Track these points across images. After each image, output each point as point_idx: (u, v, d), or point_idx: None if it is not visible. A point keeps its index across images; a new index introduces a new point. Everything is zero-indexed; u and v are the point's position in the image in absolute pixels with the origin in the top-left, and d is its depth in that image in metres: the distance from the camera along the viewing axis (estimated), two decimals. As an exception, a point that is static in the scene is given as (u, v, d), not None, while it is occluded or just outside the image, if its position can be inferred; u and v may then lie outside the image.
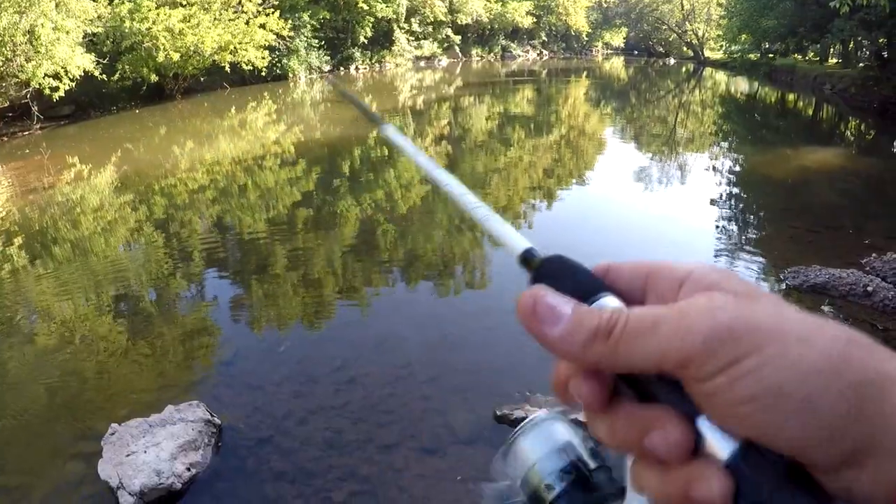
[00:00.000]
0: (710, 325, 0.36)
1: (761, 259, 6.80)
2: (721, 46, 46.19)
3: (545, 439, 0.76)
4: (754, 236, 7.94)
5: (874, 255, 6.21)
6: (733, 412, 0.35)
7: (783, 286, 5.79)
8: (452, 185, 0.61)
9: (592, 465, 0.73)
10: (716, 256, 6.86)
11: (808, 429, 0.34)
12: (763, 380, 0.34)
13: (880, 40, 21.05)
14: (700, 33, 55.45)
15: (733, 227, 8.28)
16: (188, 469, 3.34)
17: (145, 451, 3.35)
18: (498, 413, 3.83)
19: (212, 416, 3.72)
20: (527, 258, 0.49)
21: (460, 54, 52.07)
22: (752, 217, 8.94)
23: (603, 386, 0.41)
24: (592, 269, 0.47)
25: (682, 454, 0.37)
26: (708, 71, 44.22)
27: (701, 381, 0.36)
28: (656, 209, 9.13)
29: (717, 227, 8.06)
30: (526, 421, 0.78)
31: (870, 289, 5.40)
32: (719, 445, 0.36)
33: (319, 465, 3.50)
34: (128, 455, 3.34)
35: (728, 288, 0.40)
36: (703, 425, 0.37)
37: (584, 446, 0.75)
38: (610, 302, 0.42)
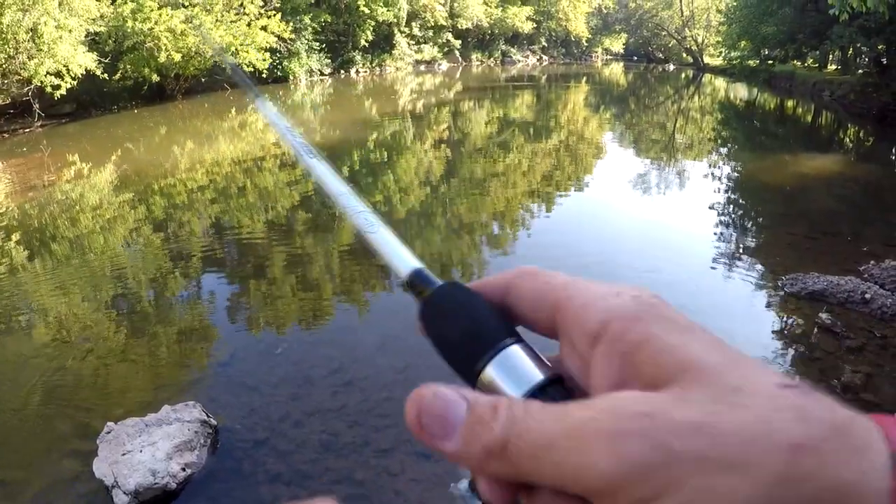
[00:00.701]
0: (615, 460, 0.30)
1: (759, 265, 6.80)
2: (720, 53, 46.34)
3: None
4: (752, 243, 7.94)
5: (872, 262, 6.22)
6: None
7: (781, 293, 5.79)
8: (330, 179, 0.53)
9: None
10: (714, 262, 6.86)
11: None
12: None
13: (879, 47, 21.08)
14: (699, 39, 55.56)
15: (731, 233, 8.28)
16: (183, 469, 3.33)
17: (141, 451, 3.34)
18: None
19: (208, 416, 3.71)
20: (415, 283, 0.43)
21: (460, 59, 52.14)
22: (750, 223, 8.95)
23: (503, 490, 0.35)
24: (489, 284, 0.42)
25: None
26: (707, 77, 44.30)
27: None
28: (654, 215, 9.13)
29: (716, 233, 8.06)
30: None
31: (868, 296, 5.41)
32: None
33: (315, 468, 3.50)
34: (123, 454, 3.33)
35: (652, 354, 0.34)
36: None
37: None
38: (516, 358, 0.37)
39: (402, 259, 0.44)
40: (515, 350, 0.38)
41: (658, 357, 0.33)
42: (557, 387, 0.37)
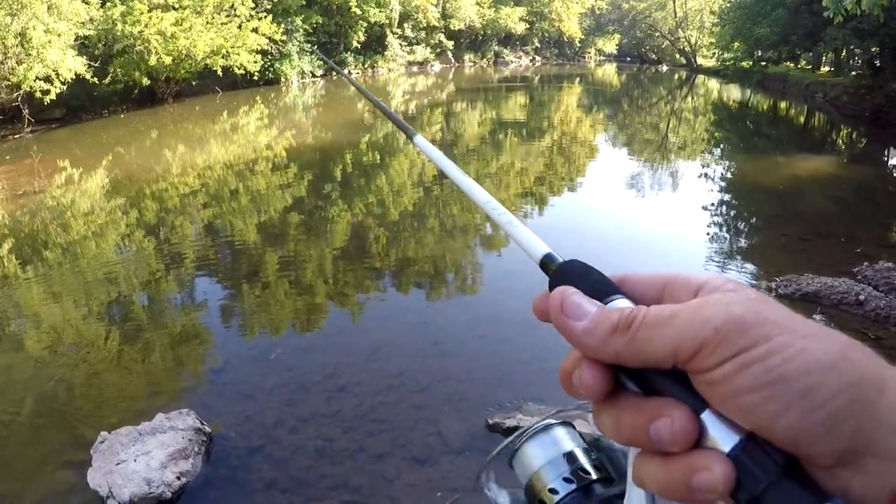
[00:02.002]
0: (724, 315, 0.38)
1: (753, 267, 6.81)
2: (714, 54, 46.42)
3: (550, 445, 0.78)
4: (746, 244, 7.95)
5: (866, 263, 6.23)
6: (737, 401, 0.37)
7: (775, 295, 5.79)
8: (478, 191, 0.66)
9: (594, 475, 0.74)
10: (707, 264, 6.87)
11: (807, 421, 0.35)
12: (768, 368, 0.36)
13: (873, 49, 21.12)
14: (693, 41, 55.66)
15: (725, 234, 8.30)
16: (178, 478, 3.31)
17: (135, 460, 3.32)
18: (490, 422, 3.82)
19: (202, 424, 3.69)
20: (546, 262, 0.52)
21: (453, 60, 52.13)
22: (743, 225, 8.96)
23: (606, 374, 0.43)
24: (614, 275, 0.49)
25: (687, 442, 0.39)
26: (700, 78, 44.42)
27: (709, 370, 0.38)
28: (647, 216, 9.14)
29: (709, 234, 8.07)
30: (531, 425, 0.80)
31: (861, 297, 5.41)
32: (722, 438, 0.38)
33: (310, 475, 3.48)
34: (118, 463, 3.31)
35: (743, 293, 0.42)
36: (708, 419, 0.39)
37: (587, 456, 0.77)
38: (625, 303, 0.44)
39: (536, 244, 0.53)
40: (625, 302, 0.45)
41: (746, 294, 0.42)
42: None
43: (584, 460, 0.76)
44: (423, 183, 11.05)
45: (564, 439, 0.79)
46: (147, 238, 7.98)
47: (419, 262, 7.12)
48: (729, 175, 12.65)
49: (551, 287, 0.49)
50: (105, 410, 4.16)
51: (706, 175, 12.44)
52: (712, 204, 9.79)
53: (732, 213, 9.61)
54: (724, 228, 8.61)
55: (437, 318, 5.73)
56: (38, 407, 4.24)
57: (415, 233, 8.17)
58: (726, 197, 10.67)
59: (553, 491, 0.73)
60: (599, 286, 0.46)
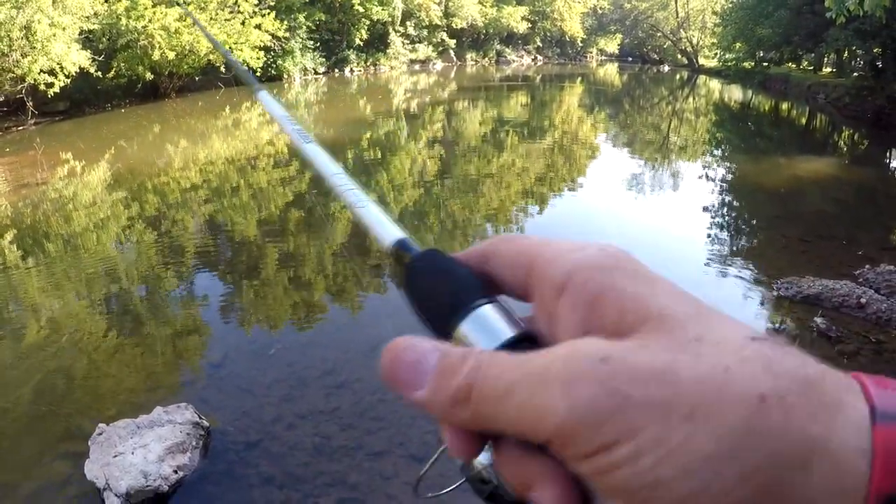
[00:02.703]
0: (568, 404, 0.30)
1: (753, 268, 6.80)
2: (715, 54, 46.33)
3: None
4: (746, 245, 7.95)
5: (867, 266, 6.23)
6: (610, 496, 0.30)
7: (776, 297, 5.79)
8: (324, 161, 0.58)
9: None
10: (707, 265, 6.86)
11: None
12: (637, 474, 0.28)
13: (875, 50, 21.12)
14: (694, 41, 55.64)
15: (725, 235, 8.29)
16: (175, 471, 3.31)
17: (133, 453, 3.32)
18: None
19: (200, 418, 3.69)
20: (399, 252, 0.45)
21: (455, 58, 52.14)
22: (744, 226, 8.95)
23: (467, 440, 0.36)
24: (471, 254, 0.43)
25: None
26: (702, 79, 44.39)
27: (568, 461, 0.31)
28: (648, 217, 9.14)
29: (709, 235, 8.07)
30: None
31: (863, 300, 5.41)
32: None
33: (307, 471, 3.48)
34: (115, 456, 3.31)
35: (615, 302, 0.33)
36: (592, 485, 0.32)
37: None
38: (488, 316, 0.38)
39: (388, 230, 0.47)
40: (488, 309, 0.39)
41: (621, 305, 0.33)
42: (528, 343, 0.37)
43: None
44: (424, 180, 11.05)
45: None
46: (148, 231, 7.98)
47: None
48: (730, 176, 12.65)
49: (404, 283, 0.44)
50: (103, 402, 4.16)
51: (707, 176, 12.44)
52: (713, 205, 9.78)
53: (733, 214, 9.61)
54: (725, 229, 8.61)
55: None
56: (37, 398, 4.24)
57: (415, 230, 8.16)
58: (727, 198, 10.66)
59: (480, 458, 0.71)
60: (460, 288, 0.40)
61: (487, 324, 0.38)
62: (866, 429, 0.27)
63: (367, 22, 38.05)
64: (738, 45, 35.03)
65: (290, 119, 0.66)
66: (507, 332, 0.37)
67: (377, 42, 41.34)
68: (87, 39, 19.24)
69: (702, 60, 54.35)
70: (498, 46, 59.09)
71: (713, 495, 0.27)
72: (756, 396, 0.28)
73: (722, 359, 0.29)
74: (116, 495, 3.12)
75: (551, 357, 0.32)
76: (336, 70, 37.68)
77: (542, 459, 0.33)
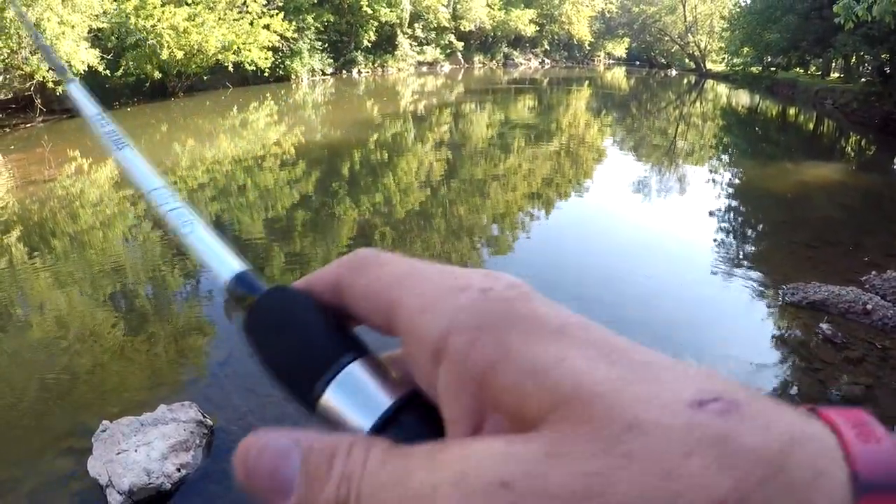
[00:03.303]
0: None
1: (760, 274, 6.78)
2: (723, 59, 46.37)
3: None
4: (752, 250, 7.92)
5: (874, 272, 6.20)
6: None
7: (782, 302, 5.77)
8: (142, 172, 0.45)
9: None
10: (714, 270, 6.84)
11: None
12: None
13: (883, 56, 21.08)
14: (702, 45, 55.59)
15: (731, 240, 8.27)
16: (178, 470, 3.31)
17: (136, 450, 3.32)
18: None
19: (204, 417, 3.69)
20: (236, 290, 0.36)
21: (462, 61, 52.18)
22: (750, 231, 8.93)
23: None
24: (320, 283, 0.35)
25: None
26: (709, 83, 44.32)
27: None
28: (655, 221, 9.12)
29: (716, 240, 8.05)
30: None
31: (869, 307, 5.39)
32: None
33: (311, 470, 3.48)
34: (118, 453, 3.31)
35: (513, 378, 0.25)
36: None
37: None
38: (357, 379, 0.32)
39: (222, 261, 0.37)
40: (356, 368, 0.32)
41: (521, 383, 0.25)
42: (411, 411, 0.31)
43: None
44: (431, 182, 11.05)
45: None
46: (154, 230, 7.99)
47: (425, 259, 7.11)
48: (736, 181, 12.62)
49: (246, 332, 0.36)
50: (107, 399, 4.17)
51: (714, 180, 12.42)
52: (720, 209, 9.76)
53: (740, 219, 9.58)
54: (732, 234, 8.59)
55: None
56: (41, 393, 4.25)
57: (421, 232, 8.16)
58: (734, 203, 10.64)
59: None
60: (314, 341, 0.33)
61: (359, 389, 0.31)
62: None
63: (375, 23, 38.15)
64: (745, 49, 35.05)
65: (103, 118, 0.55)
66: (385, 401, 0.31)
67: (385, 44, 41.41)
68: (96, 38, 19.36)
69: (709, 65, 54.29)
70: (505, 49, 59.14)
71: None
72: None
73: (662, 460, 0.21)
74: (119, 492, 3.12)
75: (437, 477, 0.24)
76: (344, 71, 37.75)
77: None
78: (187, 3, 22.51)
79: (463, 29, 49.56)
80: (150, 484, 3.17)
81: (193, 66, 23.06)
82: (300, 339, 0.33)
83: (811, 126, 22.97)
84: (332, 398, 0.31)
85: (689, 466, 0.21)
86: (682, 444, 0.21)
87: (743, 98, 33.13)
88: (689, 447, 0.21)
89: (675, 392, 0.23)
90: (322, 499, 0.27)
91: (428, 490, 0.24)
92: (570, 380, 0.24)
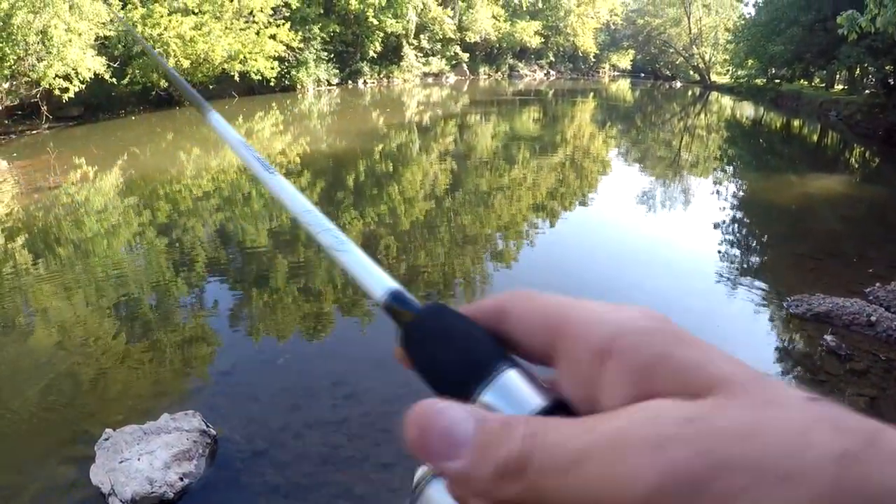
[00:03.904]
0: (659, 469, 0.26)
1: (764, 285, 6.77)
2: (727, 71, 46.38)
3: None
4: (757, 262, 7.92)
5: (878, 284, 6.19)
6: None
7: (786, 314, 5.76)
8: (292, 197, 0.48)
9: None
10: (717, 282, 6.83)
11: None
12: None
13: (887, 67, 21.12)
14: (707, 57, 55.68)
15: (736, 252, 8.26)
16: (181, 479, 3.31)
17: (139, 459, 3.32)
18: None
19: (207, 426, 3.69)
20: (393, 306, 0.40)
21: (468, 72, 52.28)
22: (754, 242, 8.93)
23: None
24: (483, 309, 0.39)
25: None
26: (714, 95, 44.38)
27: None
28: (660, 233, 9.11)
29: (721, 252, 8.04)
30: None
31: (873, 319, 5.38)
32: None
33: (314, 481, 3.47)
34: (121, 461, 3.31)
35: (674, 369, 0.30)
36: None
37: None
38: (513, 383, 0.34)
39: (378, 279, 0.41)
40: (513, 375, 0.34)
41: (681, 372, 0.30)
42: (561, 412, 0.33)
43: None
44: (436, 193, 11.07)
45: None
46: (159, 238, 8.01)
47: (429, 271, 7.12)
48: (741, 193, 12.62)
49: (405, 348, 0.39)
50: (110, 408, 4.17)
51: (718, 192, 12.42)
52: (724, 221, 9.76)
53: (744, 230, 9.58)
54: (736, 246, 8.58)
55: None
56: (44, 401, 4.25)
57: (425, 243, 8.16)
58: (738, 214, 10.63)
59: None
60: (474, 354, 0.36)
61: (514, 392, 0.34)
62: None
63: (381, 34, 38.28)
64: (750, 61, 35.05)
65: (249, 146, 0.56)
66: (538, 401, 0.33)
67: (391, 54, 41.54)
68: (103, 46, 19.44)
69: (714, 77, 54.39)
70: (511, 61, 59.29)
71: None
72: (836, 456, 0.26)
73: (797, 420, 0.27)
74: (121, 501, 3.12)
75: (626, 419, 0.28)
76: (349, 82, 37.87)
77: None
78: (194, 13, 22.62)
79: (468, 40, 49.71)
80: (152, 493, 3.17)
81: (199, 75, 23.15)
82: (459, 349, 0.36)
83: (815, 138, 22.96)
84: (490, 401, 0.34)
85: (816, 427, 0.26)
86: (808, 415, 0.27)
87: (747, 110, 33.16)
88: (814, 417, 0.27)
89: (792, 390, 0.29)
90: (505, 453, 0.29)
91: (620, 429, 0.28)
92: (721, 372, 0.29)
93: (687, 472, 0.26)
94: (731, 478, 0.25)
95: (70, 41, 16.32)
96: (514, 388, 0.34)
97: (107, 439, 3.49)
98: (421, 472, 0.36)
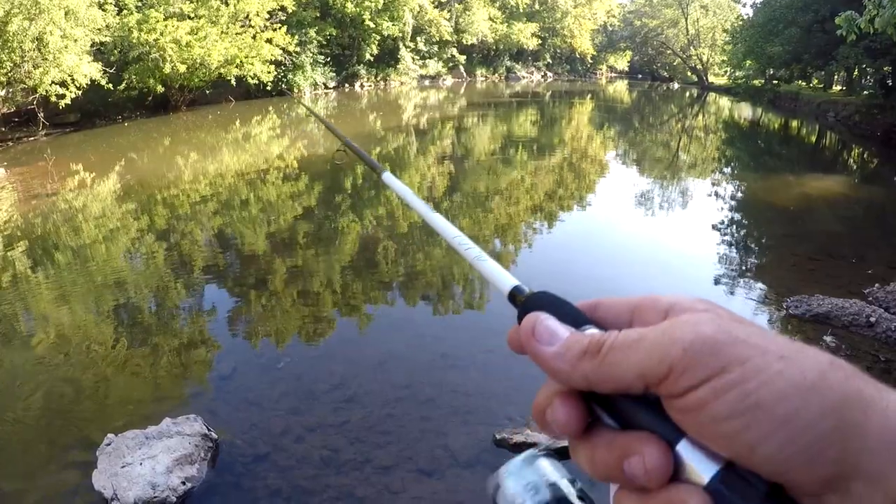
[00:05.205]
0: (693, 335, 0.37)
1: (763, 287, 6.78)
2: (725, 72, 46.47)
3: (532, 477, 0.75)
4: (756, 263, 7.92)
5: (877, 285, 6.20)
6: (712, 429, 0.36)
7: (786, 315, 5.77)
8: (446, 227, 0.67)
9: None
10: (716, 283, 6.84)
11: (788, 449, 0.34)
12: (744, 394, 0.35)
13: (885, 68, 21.15)
14: (704, 58, 55.78)
15: (735, 253, 8.26)
16: (183, 483, 3.31)
17: (141, 463, 3.32)
18: (497, 437, 3.80)
19: (209, 430, 3.69)
20: (515, 294, 0.52)
21: (465, 74, 52.36)
22: (753, 244, 8.93)
23: (579, 407, 0.42)
24: (580, 304, 0.49)
25: (661, 478, 0.37)
26: (711, 96, 44.47)
27: (681, 396, 0.37)
28: (658, 235, 9.12)
29: (719, 253, 8.04)
30: (512, 460, 0.78)
31: (872, 319, 5.38)
32: (700, 469, 0.36)
33: (315, 484, 3.47)
34: (123, 466, 3.31)
35: (713, 312, 0.41)
36: (684, 449, 0.37)
37: (572, 487, 0.74)
38: (596, 330, 0.44)
39: (504, 278, 0.54)
40: (596, 330, 0.45)
41: (721, 321, 0.39)
42: None
43: (568, 492, 0.74)
44: (433, 196, 11.07)
45: (548, 470, 0.77)
46: (157, 243, 8.00)
47: (428, 274, 7.12)
48: (739, 194, 12.62)
49: (521, 319, 0.49)
50: (112, 413, 4.16)
51: (717, 194, 12.42)
52: (723, 223, 9.77)
53: (743, 232, 9.59)
54: (735, 248, 8.58)
55: (445, 331, 5.72)
56: (46, 407, 4.25)
57: (423, 246, 8.16)
58: (737, 216, 10.64)
59: None
60: (569, 316, 0.46)
61: None
62: None
63: (378, 37, 38.32)
64: (748, 62, 35.11)
65: (415, 195, 0.79)
66: None
67: (387, 57, 41.59)
68: (99, 52, 19.45)
69: (711, 78, 54.47)
70: (508, 62, 59.38)
71: (801, 426, 0.34)
72: (826, 361, 0.36)
73: (795, 342, 0.38)
74: (124, 506, 3.12)
75: (675, 318, 0.41)
76: (346, 85, 37.90)
77: (635, 433, 0.40)
78: (190, 17, 22.61)
79: (465, 42, 49.78)
80: (155, 497, 3.17)
81: (196, 80, 23.15)
82: (558, 313, 0.46)
83: (813, 139, 23.00)
84: None
85: (810, 348, 0.37)
86: (805, 345, 0.38)
87: (745, 111, 33.21)
88: (810, 346, 0.37)
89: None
90: (588, 340, 0.42)
91: (671, 321, 0.41)
92: (748, 323, 0.40)
93: (712, 338, 0.37)
94: (743, 347, 0.36)
95: (66, 47, 16.31)
96: (594, 331, 0.44)
97: (109, 444, 3.49)
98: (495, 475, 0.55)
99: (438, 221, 0.69)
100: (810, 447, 0.33)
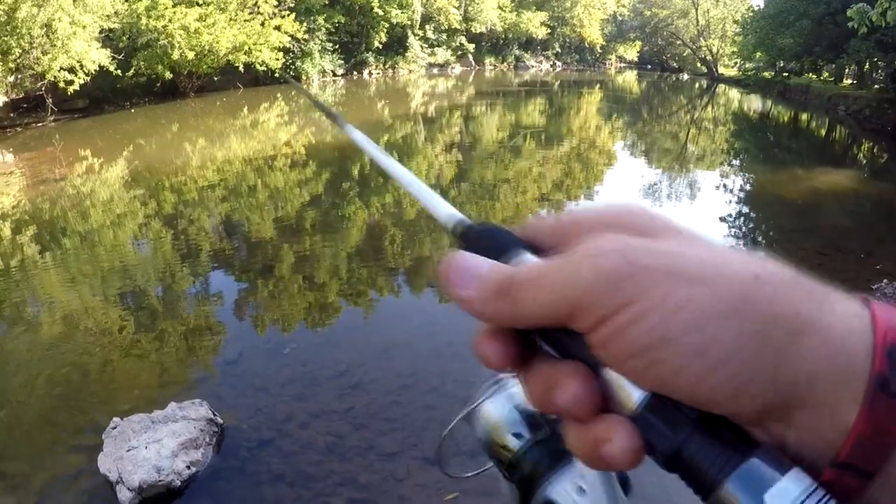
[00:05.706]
0: (591, 272, 0.34)
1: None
2: (735, 63, 46.27)
3: (508, 398, 0.76)
4: (763, 257, 7.88)
5: (885, 280, 6.17)
6: (626, 365, 0.33)
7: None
8: (393, 165, 0.61)
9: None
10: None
11: (707, 381, 0.31)
12: (646, 329, 0.32)
13: (896, 62, 21.00)
14: (714, 49, 55.45)
15: (741, 246, 8.23)
16: (188, 467, 3.32)
17: (146, 447, 3.33)
18: (501, 424, 3.79)
19: (214, 415, 3.70)
20: (455, 228, 0.49)
21: (473, 63, 52.18)
22: (761, 237, 8.89)
23: (506, 343, 0.39)
24: (518, 229, 0.46)
25: (588, 409, 0.35)
26: (721, 88, 44.18)
27: (589, 333, 0.34)
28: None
29: (726, 245, 8.00)
30: (488, 384, 0.79)
31: (880, 313, 5.35)
32: (626, 398, 0.34)
33: (319, 470, 3.48)
34: (128, 450, 3.32)
35: (632, 226, 0.38)
36: (611, 377, 0.35)
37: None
38: (527, 258, 0.41)
39: (446, 211, 0.49)
40: (529, 256, 0.41)
41: (635, 225, 0.38)
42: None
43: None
44: (441, 184, 11.05)
45: (519, 392, 0.76)
46: (164, 229, 8.02)
47: (435, 262, 7.11)
48: (747, 187, 12.57)
49: (461, 247, 0.47)
50: (118, 397, 4.18)
51: (725, 186, 12.36)
52: (730, 215, 9.73)
53: (750, 225, 9.55)
54: (742, 241, 8.55)
55: (451, 319, 5.71)
56: (52, 390, 4.27)
57: (430, 233, 8.16)
58: (744, 209, 10.60)
59: (518, 436, 0.73)
60: (502, 244, 0.43)
61: (524, 260, 0.42)
62: (863, 315, 0.33)
63: (386, 25, 38.22)
64: (758, 54, 34.96)
65: (369, 140, 0.72)
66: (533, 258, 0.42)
67: (396, 45, 41.47)
68: (108, 38, 19.46)
69: (721, 69, 54.15)
70: (517, 51, 59.14)
71: (717, 357, 0.31)
72: (751, 274, 0.33)
73: (717, 251, 0.35)
74: (129, 489, 3.13)
75: (579, 247, 0.36)
76: (354, 72, 37.83)
77: (565, 363, 0.37)
78: (198, 4, 22.59)
79: (474, 31, 49.58)
80: (160, 481, 3.18)
81: (204, 67, 23.15)
82: (489, 243, 0.43)
83: (823, 132, 22.87)
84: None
85: (739, 256, 0.34)
86: (728, 250, 0.35)
87: (755, 103, 33.01)
88: (732, 252, 0.35)
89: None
90: (499, 277, 0.38)
91: (573, 252, 0.36)
92: (667, 226, 0.38)
93: (614, 272, 0.33)
94: (648, 278, 0.33)
95: (74, 34, 16.33)
96: (525, 259, 0.41)
97: (114, 428, 3.50)
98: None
99: (387, 161, 0.63)
100: (733, 378, 0.31)
